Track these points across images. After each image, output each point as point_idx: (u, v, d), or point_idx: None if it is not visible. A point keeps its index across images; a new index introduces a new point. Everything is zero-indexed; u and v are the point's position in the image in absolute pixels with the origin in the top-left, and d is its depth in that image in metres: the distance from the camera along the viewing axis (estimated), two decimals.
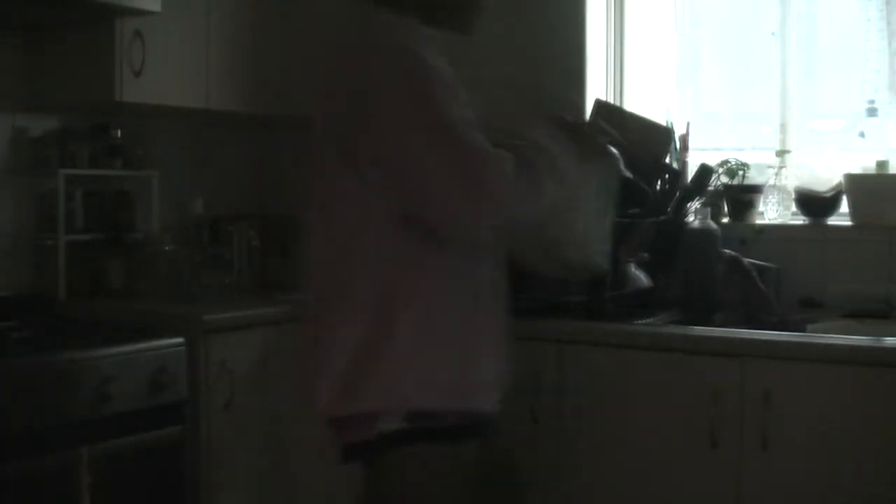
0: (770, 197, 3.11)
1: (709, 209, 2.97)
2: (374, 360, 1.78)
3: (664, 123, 3.13)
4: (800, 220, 3.07)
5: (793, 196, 3.07)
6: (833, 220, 3.01)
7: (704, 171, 3.01)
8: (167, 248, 3.22)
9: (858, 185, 2.96)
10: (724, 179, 3.12)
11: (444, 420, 1.81)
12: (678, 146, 3.13)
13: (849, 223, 2.96)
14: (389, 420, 1.79)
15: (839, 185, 2.99)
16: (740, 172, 3.12)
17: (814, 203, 3.02)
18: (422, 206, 1.76)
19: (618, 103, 3.35)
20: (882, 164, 2.98)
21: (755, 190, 3.11)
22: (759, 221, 3.09)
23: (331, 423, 1.86)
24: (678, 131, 3.15)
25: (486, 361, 1.88)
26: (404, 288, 1.79)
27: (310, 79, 2.02)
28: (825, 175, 3.08)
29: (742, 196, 3.10)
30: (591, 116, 2.79)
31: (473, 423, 1.85)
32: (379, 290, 1.79)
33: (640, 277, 2.85)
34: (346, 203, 1.82)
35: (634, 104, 3.35)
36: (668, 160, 3.01)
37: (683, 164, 3.13)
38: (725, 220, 3.11)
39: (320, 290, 1.88)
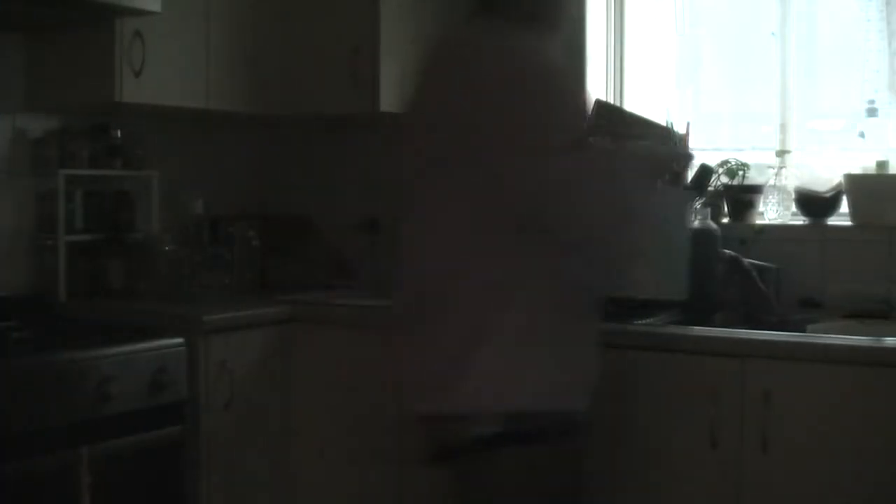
0: (770, 197, 3.11)
1: (709, 209, 2.97)
2: (472, 361, 1.78)
3: (664, 123, 3.12)
4: (800, 220, 3.07)
5: (793, 196, 3.06)
6: (833, 220, 3.01)
7: (704, 171, 2.99)
8: (167, 248, 3.22)
9: (858, 185, 2.96)
10: (724, 179, 3.12)
11: (541, 421, 1.81)
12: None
13: (849, 223, 2.96)
14: (487, 423, 1.79)
15: (839, 185, 2.99)
16: (740, 172, 3.12)
17: (814, 203, 3.02)
18: (543, 209, 1.76)
19: (618, 103, 3.35)
20: (882, 164, 2.98)
21: (755, 190, 3.11)
22: (759, 221, 3.09)
23: (424, 423, 1.85)
24: (678, 131, 3.15)
25: (581, 362, 1.88)
26: (504, 290, 1.80)
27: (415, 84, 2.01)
28: (825, 175, 3.07)
29: (742, 196, 3.10)
30: (591, 117, 2.78)
31: (568, 423, 1.85)
32: (478, 293, 1.80)
33: None
34: (451, 206, 1.82)
35: (634, 104, 3.35)
36: None
37: None
38: (725, 220, 3.11)
39: (420, 291, 1.88)
